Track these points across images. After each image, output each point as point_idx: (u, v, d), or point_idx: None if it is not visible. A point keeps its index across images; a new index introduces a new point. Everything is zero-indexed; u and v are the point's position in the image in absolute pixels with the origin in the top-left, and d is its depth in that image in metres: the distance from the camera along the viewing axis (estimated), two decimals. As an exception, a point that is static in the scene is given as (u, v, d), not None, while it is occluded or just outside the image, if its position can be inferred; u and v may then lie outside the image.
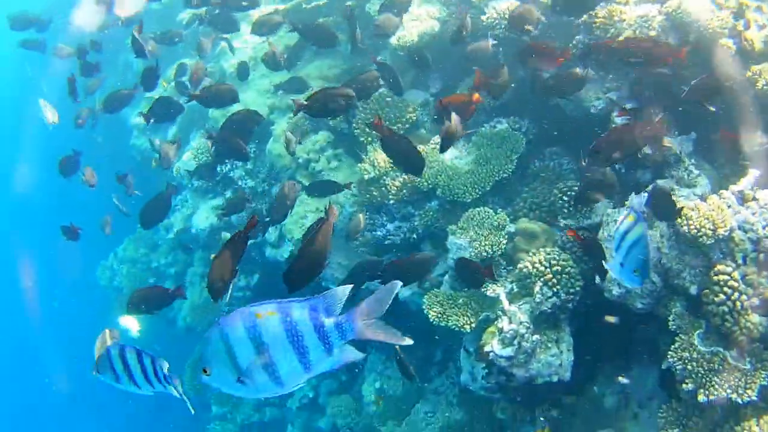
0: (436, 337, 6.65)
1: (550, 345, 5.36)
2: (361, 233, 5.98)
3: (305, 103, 4.61)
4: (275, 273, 7.99)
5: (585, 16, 5.80)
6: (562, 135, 6.23)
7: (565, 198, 5.81)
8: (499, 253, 5.63)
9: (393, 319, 2.36)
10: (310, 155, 7.09)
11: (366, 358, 8.12)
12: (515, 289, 5.51)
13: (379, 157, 6.39)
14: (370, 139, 6.64)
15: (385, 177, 6.33)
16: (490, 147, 6.26)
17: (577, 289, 5.36)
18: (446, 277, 5.99)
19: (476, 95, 5.38)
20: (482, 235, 5.72)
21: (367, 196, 6.39)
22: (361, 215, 5.93)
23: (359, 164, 6.47)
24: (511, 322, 5.27)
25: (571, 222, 5.76)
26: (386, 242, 6.39)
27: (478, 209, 5.90)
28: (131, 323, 8.82)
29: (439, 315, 5.72)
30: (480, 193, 6.03)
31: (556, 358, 5.32)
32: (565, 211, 5.80)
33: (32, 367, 14.86)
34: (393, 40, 6.72)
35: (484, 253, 5.62)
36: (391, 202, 6.31)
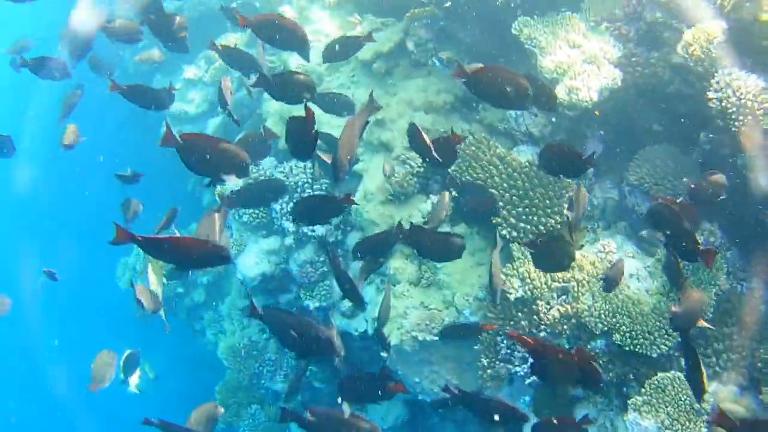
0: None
1: None
2: None
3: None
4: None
5: None
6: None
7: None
8: (701, 452, 4.18)
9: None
10: (418, 231, 5.29)
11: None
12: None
13: (531, 268, 4.70)
14: (515, 233, 4.88)
15: (538, 300, 4.67)
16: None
17: None
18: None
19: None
20: (679, 421, 4.23)
21: (511, 323, 4.73)
22: None
23: (502, 273, 4.76)
24: None
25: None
26: (526, 383, 4.83)
27: (671, 376, 4.36)
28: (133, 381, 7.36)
29: None
30: (671, 345, 4.47)
31: None
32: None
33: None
34: (562, 95, 4.81)
35: (685, 456, 4.16)
36: (542, 334, 4.69)
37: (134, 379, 7.60)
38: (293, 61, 6.49)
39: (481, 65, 4.71)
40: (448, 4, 5.93)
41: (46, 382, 12.52)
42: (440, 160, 3.95)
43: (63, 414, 12.36)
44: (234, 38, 7.51)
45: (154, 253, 3.13)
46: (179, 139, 3.17)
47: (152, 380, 7.31)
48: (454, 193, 5.03)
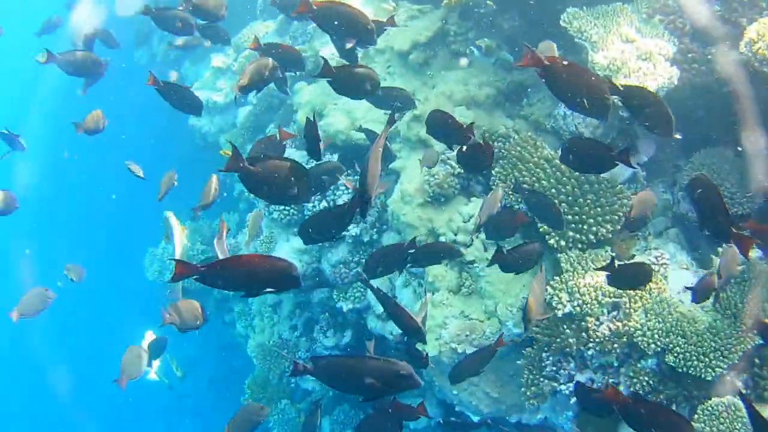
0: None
1: None
2: None
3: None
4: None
5: None
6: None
7: None
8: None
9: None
10: (458, 236, 5.06)
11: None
12: None
13: (580, 282, 4.44)
14: (563, 243, 4.62)
15: (588, 317, 4.42)
16: (740, 291, 4.33)
17: None
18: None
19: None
20: (738, 451, 3.99)
21: (558, 339, 4.49)
22: None
23: (547, 288, 4.50)
24: None
25: None
26: (571, 402, 4.61)
27: (726, 402, 4.09)
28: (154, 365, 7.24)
29: None
30: (726, 367, 4.19)
31: None
32: None
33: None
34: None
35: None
36: (590, 352, 4.45)
37: (156, 364, 7.53)
38: (326, 51, 6.23)
39: (552, 47, 4.42)
40: None
41: (74, 371, 12.60)
42: (472, 136, 3.62)
43: (88, 404, 12.45)
44: (263, 26, 7.24)
45: (220, 283, 2.73)
46: (248, 165, 2.87)
47: (179, 378, 7.24)
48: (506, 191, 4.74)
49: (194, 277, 2.62)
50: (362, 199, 2.86)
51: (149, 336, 8.03)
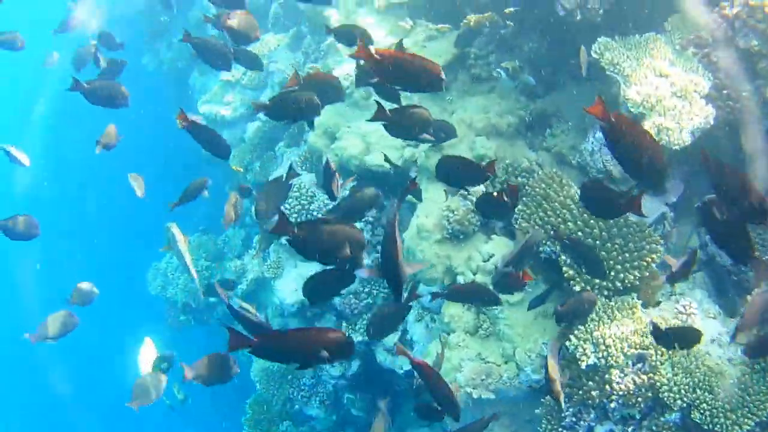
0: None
1: None
2: None
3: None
4: (380, 377, 6.09)
5: None
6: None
7: None
8: None
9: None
10: (477, 275, 4.85)
11: None
12: None
13: (606, 332, 4.23)
14: (586, 284, 4.41)
15: (612, 369, 4.21)
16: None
17: None
18: None
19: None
20: None
21: (580, 391, 4.29)
22: None
23: (572, 338, 4.30)
24: None
25: None
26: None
27: (757, 463, 3.92)
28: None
29: None
30: (754, 424, 4.00)
31: None
32: None
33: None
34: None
35: None
36: (613, 405, 4.25)
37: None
38: (340, 70, 6.01)
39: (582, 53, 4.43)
40: (509, 9, 5.39)
41: (75, 377, 12.40)
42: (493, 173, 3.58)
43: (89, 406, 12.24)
44: (275, 39, 7.01)
45: (274, 355, 2.83)
46: (294, 228, 2.74)
47: (181, 401, 7.05)
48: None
49: (247, 350, 2.63)
50: (396, 292, 2.71)
51: (148, 342, 7.83)
